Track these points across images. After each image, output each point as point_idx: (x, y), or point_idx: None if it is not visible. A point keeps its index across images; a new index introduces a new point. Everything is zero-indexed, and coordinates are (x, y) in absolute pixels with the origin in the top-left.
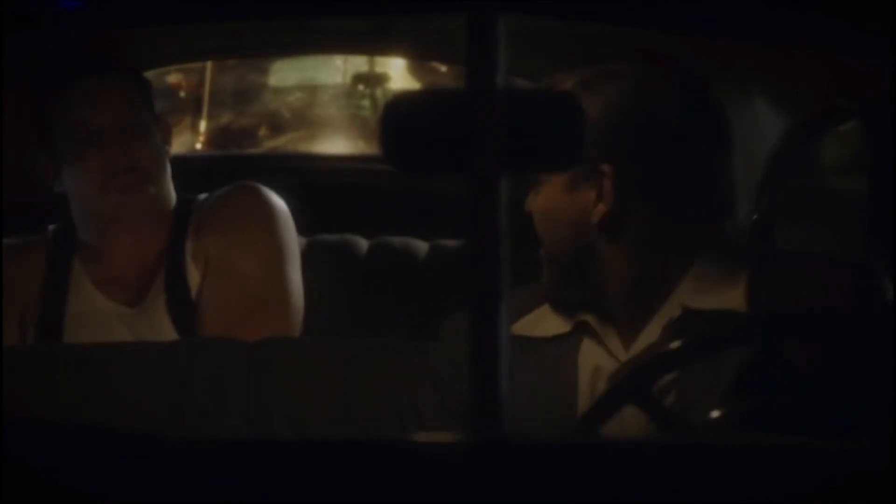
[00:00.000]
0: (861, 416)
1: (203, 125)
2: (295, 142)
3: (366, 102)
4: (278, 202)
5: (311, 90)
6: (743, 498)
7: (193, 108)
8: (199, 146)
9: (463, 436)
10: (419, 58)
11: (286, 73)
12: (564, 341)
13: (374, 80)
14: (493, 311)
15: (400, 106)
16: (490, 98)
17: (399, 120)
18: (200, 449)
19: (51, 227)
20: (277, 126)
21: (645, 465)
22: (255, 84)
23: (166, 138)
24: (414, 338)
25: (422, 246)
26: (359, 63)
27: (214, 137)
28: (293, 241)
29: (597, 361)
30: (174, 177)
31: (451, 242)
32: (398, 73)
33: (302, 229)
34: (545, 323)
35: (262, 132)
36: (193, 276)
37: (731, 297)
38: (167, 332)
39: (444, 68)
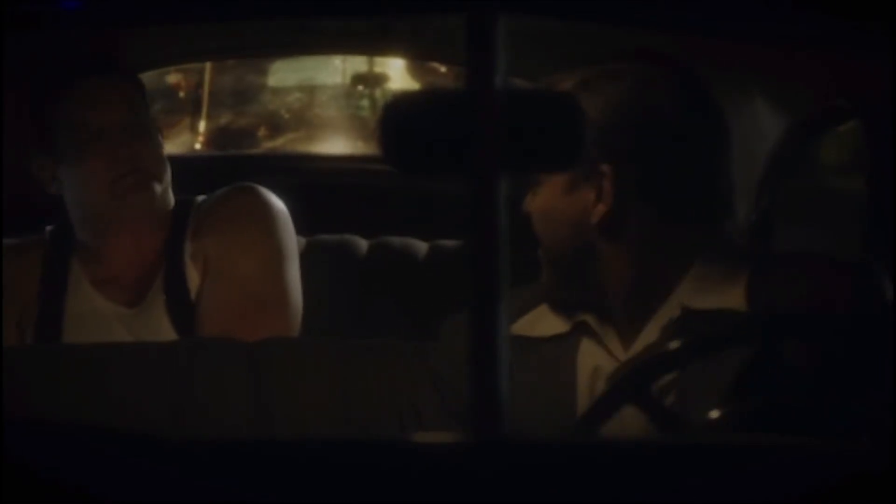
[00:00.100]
0: (861, 416)
1: (202, 125)
2: (294, 142)
3: (365, 103)
4: (277, 203)
5: (311, 90)
6: (743, 498)
7: (193, 108)
8: (198, 146)
9: (463, 436)
10: (419, 58)
11: (285, 74)
12: (563, 341)
13: (373, 80)
14: (493, 311)
15: (399, 106)
16: (490, 98)
17: (398, 120)
18: (200, 449)
19: (48, 227)
20: (277, 126)
21: (645, 465)
22: (254, 84)
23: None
24: (414, 338)
25: (421, 246)
26: (358, 63)
27: (214, 138)
28: (292, 242)
29: (596, 361)
30: (173, 177)
31: (450, 242)
32: (397, 74)
33: (301, 229)
34: (544, 323)
35: (262, 132)
36: (192, 277)
37: (731, 297)
38: (166, 332)
39: (443, 68)
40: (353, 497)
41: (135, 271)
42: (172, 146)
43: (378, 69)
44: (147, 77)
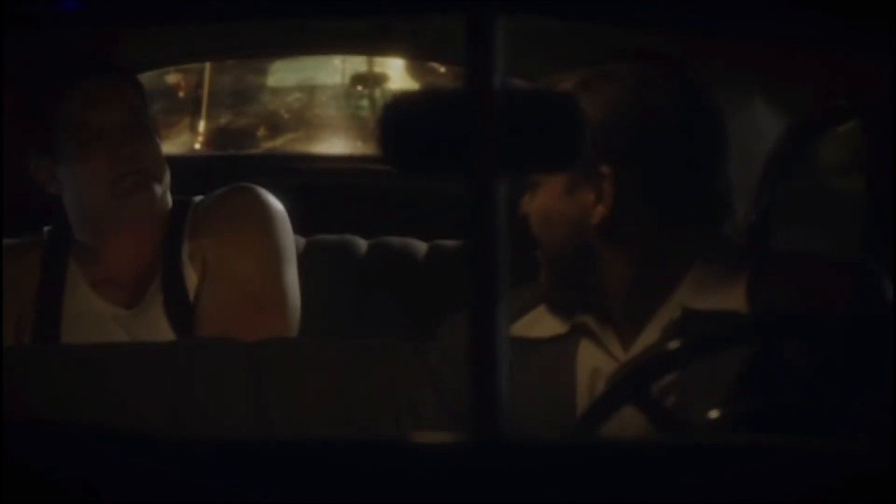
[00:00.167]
0: (861, 416)
1: (202, 125)
2: (294, 142)
3: (364, 103)
4: (275, 203)
5: (310, 90)
6: (743, 498)
7: (192, 108)
8: (197, 146)
9: (462, 436)
10: (418, 58)
11: (285, 74)
12: (562, 342)
13: (372, 80)
14: (493, 311)
15: (399, 106)
16: (489, 98)
17: (398, 120)
18: (200, 449)
19: (46, 228)
20: (276, 126)
21: (645, 465)
22: (253, 84)
23: None
24: (413, 338)
25: (421, 246)
26: (357, 63)
27: (213, 138)
28: (290, 242)
29: (596, 363)
30: (173, 177)
31: (450, 242)
32: (397, 74)
33: (301, 230)
34: (542, 324)
35: (261, 132)
36: (190, 278)
37: (732, 298)
38: (164, 333)
39: (443, 68)
40: (353, 497)
41: (133, 272)
42: (172, 146)
43: (378, 69)
44: (147, 77)
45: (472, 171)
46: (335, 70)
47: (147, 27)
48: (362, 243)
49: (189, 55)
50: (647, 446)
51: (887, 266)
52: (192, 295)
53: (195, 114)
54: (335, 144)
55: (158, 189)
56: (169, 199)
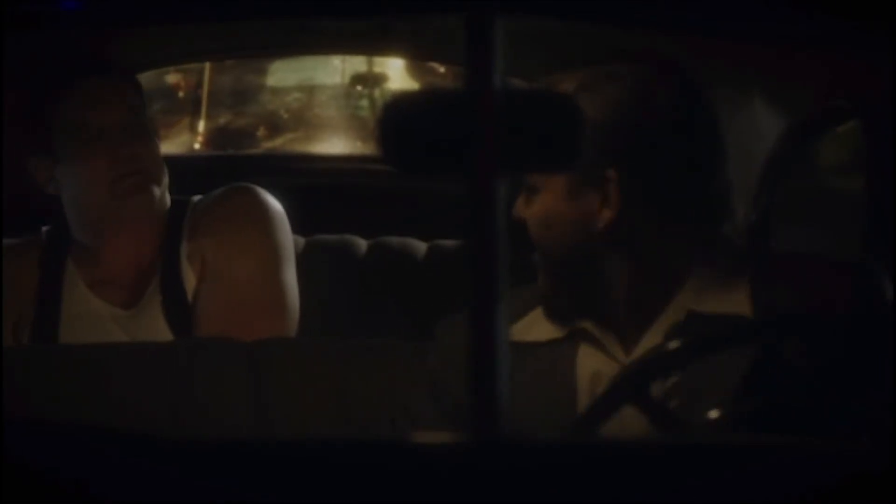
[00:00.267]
0: (861, 416)
1: (201, 125)
2: (293, 142)
3: (364, 103)
4: (273, 203)
5: (310, 91)
6: (743, 498)
7: (192, 108)
8: (197, 146)
9: (461, 436)
10: (418, 58)
11: (285, 74)
12: (559, 346)
13: (372, 80)
14: (492, 312)
15: (398, 106)
16: (489, 98)
17: (397, 120)
18: (200, 449)
19: (44, 228)
20: (276, 126)
21: (645, 465)
22: (253, 84)
23: None
24: (412, 338)
25: (420, 246)
26: (357, 63)
27: (213, 138)
28: (289, 242)
29: (597, 366)
30: (172, 177)
31: (449, 243)
32: (397, 74)
33: (300, 230)
34: (539, 327)
35: (261, 132)
36: (189, 278)
37: (734, 300)
38: (163, 333)
39: (443, 68)
40: (353, 497)
41: (131, 272)
42: (172, 146)
43: (377, 69)
44: (146, 77)
45: (471, 171)
46: (335, 70)
47: (147, 27)
48: (362, 243)
49: (189, 55)
50: (647, 446)
51: (887, 266)
52: (190, 295)
53: (195, 114)
54: (335, 144)
55: (157, 190)
56: (167, 199)
